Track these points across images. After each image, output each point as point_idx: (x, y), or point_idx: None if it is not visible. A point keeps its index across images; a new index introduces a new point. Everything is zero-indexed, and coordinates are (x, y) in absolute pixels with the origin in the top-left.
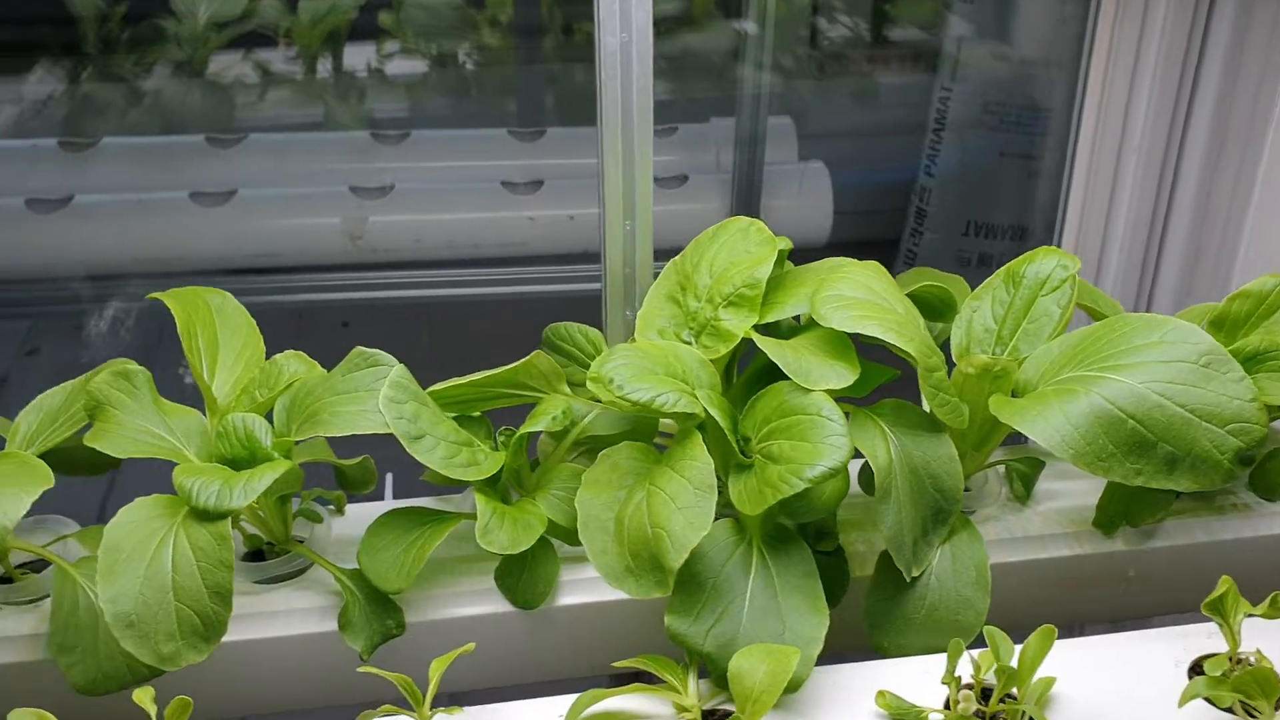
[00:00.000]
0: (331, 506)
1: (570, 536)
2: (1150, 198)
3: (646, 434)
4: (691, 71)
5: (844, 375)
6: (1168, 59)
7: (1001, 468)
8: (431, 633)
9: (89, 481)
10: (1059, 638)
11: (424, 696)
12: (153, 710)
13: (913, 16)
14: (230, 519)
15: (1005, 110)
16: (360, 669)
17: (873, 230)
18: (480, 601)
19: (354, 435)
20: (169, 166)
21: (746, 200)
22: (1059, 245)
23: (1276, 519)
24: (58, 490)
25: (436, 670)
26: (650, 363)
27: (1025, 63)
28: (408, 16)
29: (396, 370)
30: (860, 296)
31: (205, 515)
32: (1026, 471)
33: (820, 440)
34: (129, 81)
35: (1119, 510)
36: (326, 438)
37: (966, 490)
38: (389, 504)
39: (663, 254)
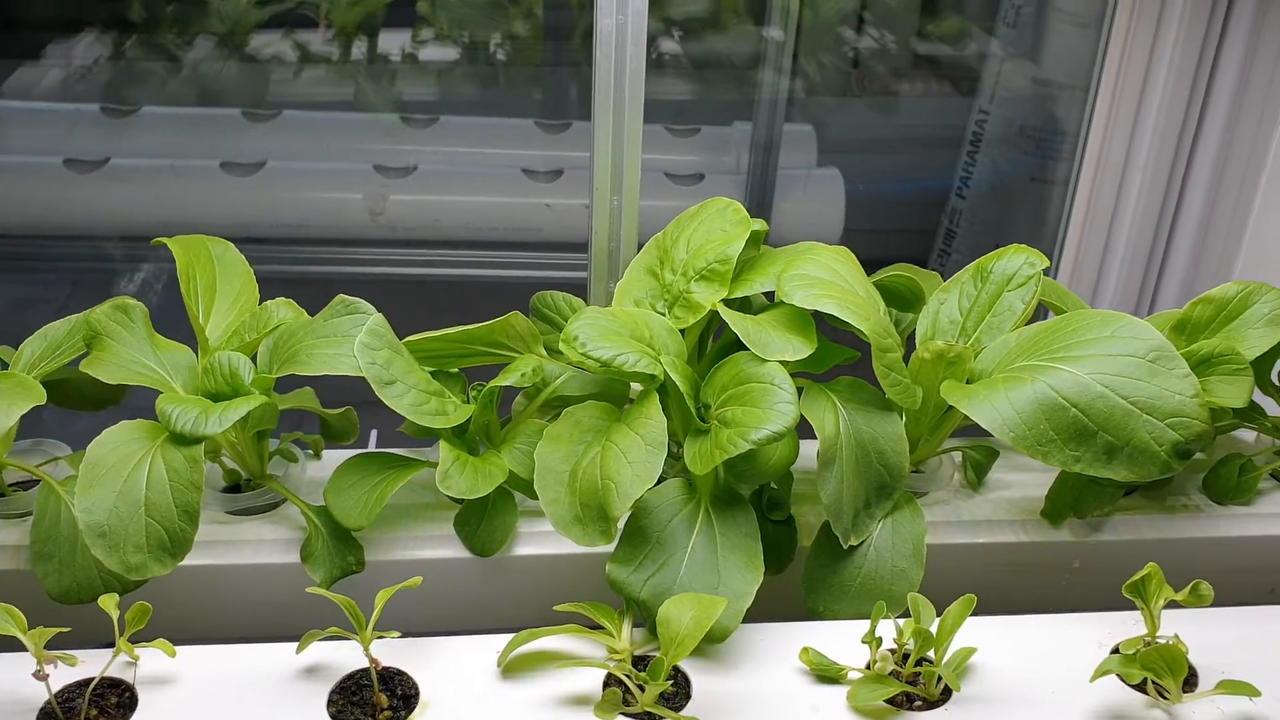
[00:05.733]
0: (309, 450)
1: (531, 489)
2: (1154, 215)
3: (616, 398)
4: (715, 75)
5: (800, 349)
6: (1177, 80)
7: (958, 456)
8: (390, 572)
9: (93, 417)
10: None
11: (367, 622)
12: (115, 614)
13: (946, 34)
14: (204, 446)
15: (1040, 135)
16: (308, 589)
17: (901, 249)
18: (438, 546)
19: (347, 393)
20: (204, 138)
21: (759, 201)
22: (1059, 255)
23: (1225, 522)
24: (60, 425)
25: (382, 599)
26: (618, 325)
27: (1061, 88)
28: (444, 3)
29: (374, 318)
30: (824, 277)
31: (181, 439)
32: (980, 460)
33: (769, 406)
34: (171, 53)
35: (1067, 501)
36: (314, 389)
37: (919, 472)
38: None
39: None
